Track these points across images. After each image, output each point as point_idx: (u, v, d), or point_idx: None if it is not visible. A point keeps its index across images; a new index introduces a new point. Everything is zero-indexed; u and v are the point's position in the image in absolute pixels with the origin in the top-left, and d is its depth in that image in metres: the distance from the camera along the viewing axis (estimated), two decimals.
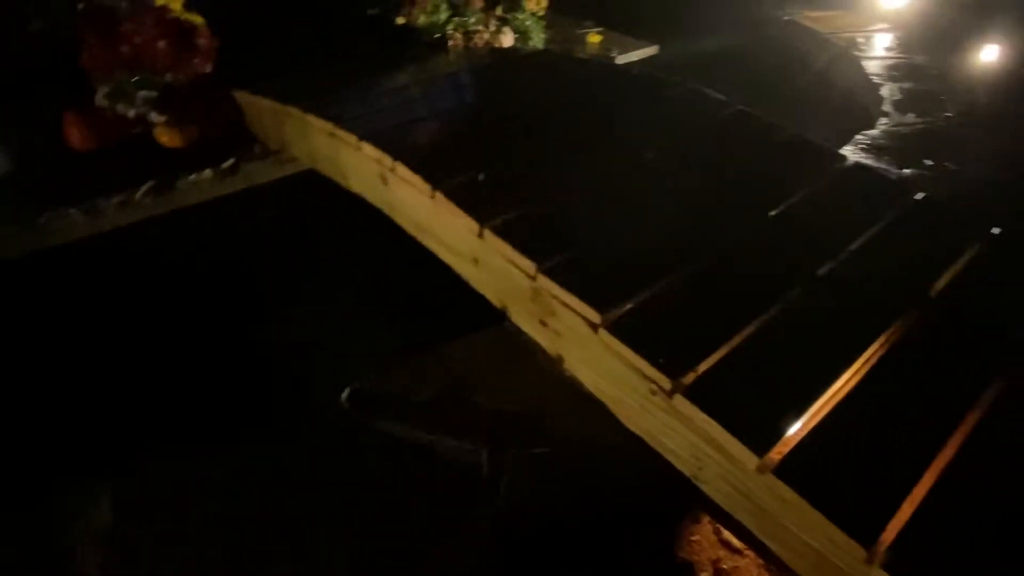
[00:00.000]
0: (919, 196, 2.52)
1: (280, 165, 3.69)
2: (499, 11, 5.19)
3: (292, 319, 2.99)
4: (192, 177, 3.51)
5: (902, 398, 1.70)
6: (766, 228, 2.36)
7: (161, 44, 3.42)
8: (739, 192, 2.55)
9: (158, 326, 3.05)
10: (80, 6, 3.79)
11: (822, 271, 2.10)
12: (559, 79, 3.89)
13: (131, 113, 3.54)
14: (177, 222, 3.47)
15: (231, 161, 3.60)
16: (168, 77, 3.56)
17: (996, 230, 2.35)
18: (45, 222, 3.15)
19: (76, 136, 3.49)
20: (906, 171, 3.76)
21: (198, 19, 3.71)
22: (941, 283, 2.08)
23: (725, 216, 2.40)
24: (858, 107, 4.78)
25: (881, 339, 1.83)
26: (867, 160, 3.84)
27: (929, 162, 3.86)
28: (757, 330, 1.83)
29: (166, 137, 3.64)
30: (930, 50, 5.67)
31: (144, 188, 3.37)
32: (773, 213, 2.41)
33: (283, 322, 3.00)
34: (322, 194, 3.32)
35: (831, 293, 2.04)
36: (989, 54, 5.77)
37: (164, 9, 3.56)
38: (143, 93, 3.52)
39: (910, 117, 4.45)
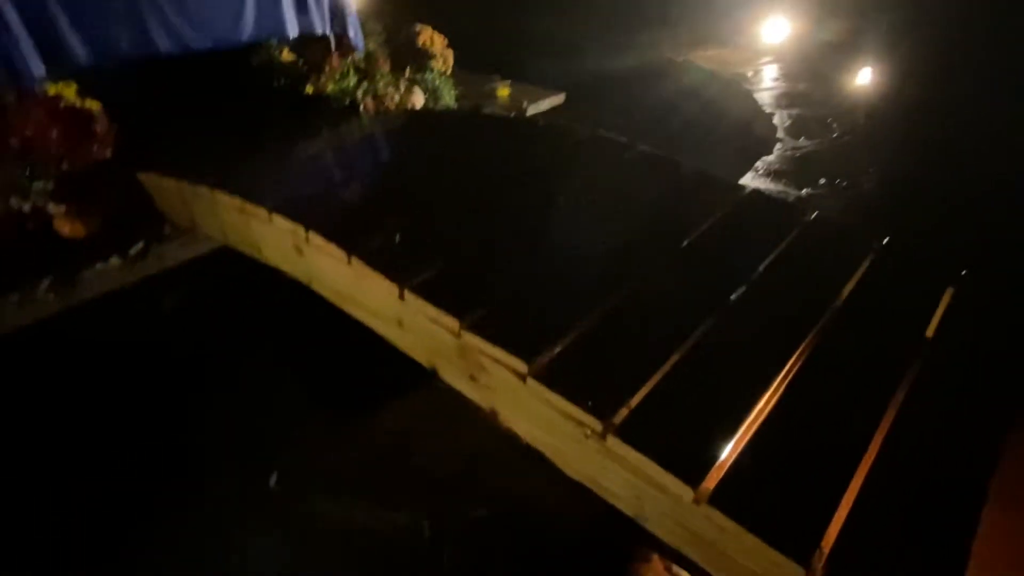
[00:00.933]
0: (813, 216, 2.69)
1: (192, 245, 3.58)
2: (408, 72, 5.31)
3: (215, 404, 2.85)
4: (98, 266, 3.35)
5: (821, 410, 1.77)
6: (678, 260, 2.45)
7: (54, 133, 3.29)
8: (650, 228, 2.65)
9: (72, 423, 2.85)
10: None
11: (734, 296, 2.20)
12: (470, 136, 3.98)
13: (26, 207, 3.36)
14: (87, 315, 3.29)
15: (140, 245, 3.46)
16: (64, 165, 3.41)
17: (885, 240, 2.53)
18: None
19: None
20: (804, 191, 4.03)
21: (94, 105, 3.60)
22: (843, 295, 2.21)
23: (638, 252, 2.48)
24: (754, 135, 5.11)
25: (795, 355, 1.91)
26: (767, 184, 4.10)
27: (823, 181, 4.15)
28: (679, 361, 1.88)
29: (67, 227, 3.46)
30: (810, 79, 6.17)
31: (45, 283, 3.18)
32: (684, 244, 2.51)
33: (207, 407, 2.86)
34: (237, 271, 3.23)
35: (744, 317, 2.13)
36: (863, 78, 6.33)
37: (56, 98, 3.45)
38: (38, 185, 3.36)
39: (802, 141, 4.80)
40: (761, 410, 1.73)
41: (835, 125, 5.09)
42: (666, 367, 1.85)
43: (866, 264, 2.39)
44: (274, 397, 2.82)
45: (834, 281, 2.28)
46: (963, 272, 2.34)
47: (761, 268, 2.35)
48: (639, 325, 2.07)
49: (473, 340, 1.97)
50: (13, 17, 3.24)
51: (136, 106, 3.82)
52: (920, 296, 2.27)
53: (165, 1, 3.65)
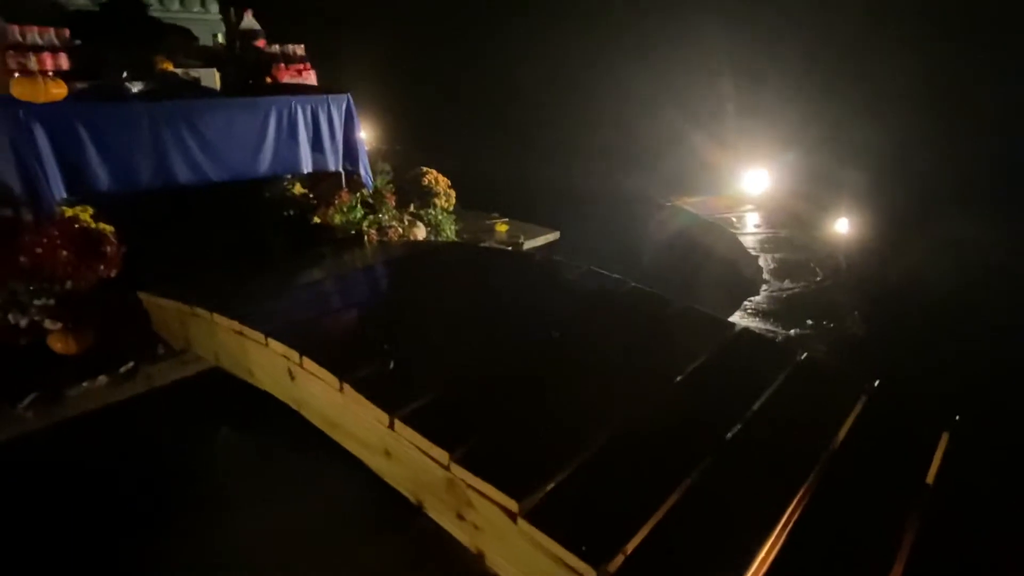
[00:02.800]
0: (803, 356, 2.71)
1: (183, 365, 3.55)
2: (412, 208, 5.59)
3: (190, 532, 2.67)
4: (85, 384, 3.29)
5: (824, 559, 1.69)
6: (672, 395, 2.44)
7: (64, 254, 3.37)
8: (643, 363, 2.67)
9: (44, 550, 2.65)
10: None
11: (730, 435, 2.16)
12: (468, 267, 4.10)
13: (23, 322, 3.36)
14: (67, 433, 3.18)
15: (130, 365, 3.43)
16: (68, 284, 3.46)
17: (876, 382, 2.54)
18: None
19: None
20: (792, 331, 4.10)
21: (107, 228, 3.73)
22: (838, 438, 2.18)
23: (633, 386, 2.47)
24: (742, 276, 5.29)
25: (795, 500, 1.84)
26: (756, 323, 4.18)
27: (810, 321, 4.23)
28: (676, 503, 1.81)
29: (60, 344, 3.44)
30: (791, 226, 6.51)
31: (27, 400, 3.11)
32: (677, 380, 2.51)
33: (179, 536, 2.68)
34: (226, 393, 3.17)
35: (742, 457, 2.08)
36: (841, 226, 6.67)
37: (72, 220, 3.57)
38: (39, 301, 3.38)
39: (787, 283, 4.96)
40: (764, 559, 1.63)
41: (818, 269, 5.29)
42: (662, 509, 1.77)
43: (859, 407, 2.38)
44: (255, 531, 2.64)
45: (828, 423, 2.25)
46: (957, 417, 2.33)
47: (755, 407, 2.33)
48: (633, 463, 2.01)
49: (462, 474, 1.90)
50: (44, 144, 3.44)
51: (143, 225, 3.93)
52: (916, 440, 2.24)
53: (191, 137, 3.89)
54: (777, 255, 5.64)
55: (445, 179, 5.96)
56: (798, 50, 8.58)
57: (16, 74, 3.47)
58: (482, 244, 5.85)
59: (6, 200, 3.74)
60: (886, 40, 8.08)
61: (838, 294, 4.79)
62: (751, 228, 6.58)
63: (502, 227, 6.28)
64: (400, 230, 5.10)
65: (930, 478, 2.04)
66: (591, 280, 3.54)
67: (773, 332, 3.93)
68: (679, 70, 9.45)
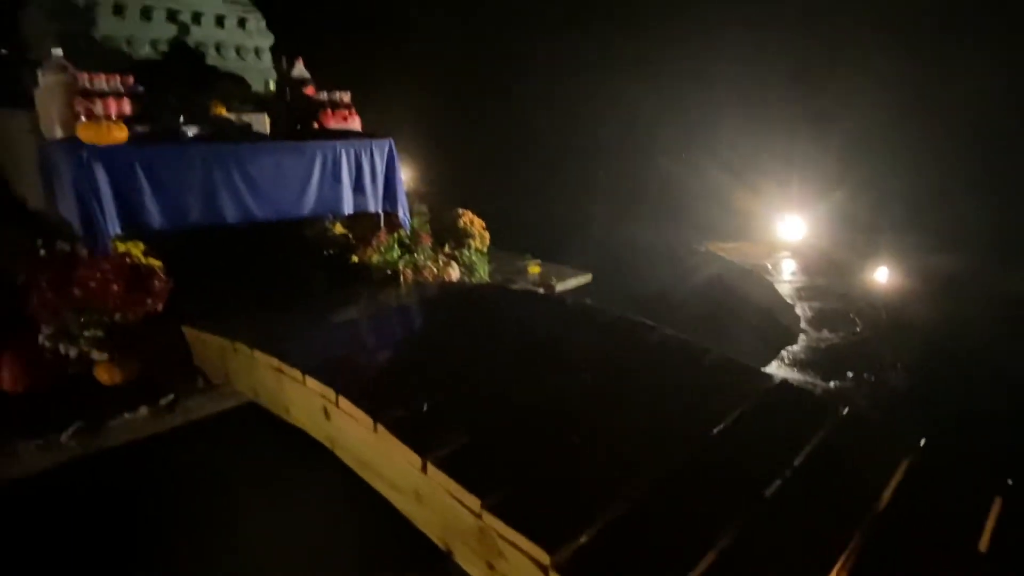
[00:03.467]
0: (845, 411, 2.63)
1: (220, 399, 3.61)
2: (447, 248, 5.67)
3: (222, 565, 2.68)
4: (126, 415, 3.36)
5: None
6: (710, 447, 2.38)
7: (115, 287, 3.50)
8: (679, 412, 2.62)
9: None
10: (41, 252, 3.97)
11: (769, 492, 2.09)
12: (502, 309, 4.12)
13: (73, 352, 3.48)
14: (106, 462, 3.25)
15: (170, 397, 3.50)
16: (117, 316, 3.59)
17: (922, 441, 2.44)
18: None
19: (8, 378, 3.36)
20: (831, 383, 3.98)
21: (156, 263, 3.87)
22: (884, 499, 2.09)
23: (668, 436, 2.42)
24: (779, 325, 5.20)
25: (838, 565, 1.77)
26: (794, 374, 4.08)
27: (850, 374, 4.11)
28: (714, 563, 1.75)
29: (106, 375, 3.55)
30: (829, 274, 6.39)
31: (71, 429, 3.19)
32: (714, 432, 2.46)
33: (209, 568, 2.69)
34: (262, 428, 3.21)
35: (781, 516, 2.00)
36: (881, 275, 6.53)
37: (124, 255, 3.72)
38: (88, 333, 3.51)
39: (825, 333, 4.85)
40: None
41: (857, 319, 5.16)
42: (700, 568, 1.71)
43: (905, 466, 2.28)
44: (271, 563, 2.64)
45: (871, 483, 2.16)
46: (1009, 481, 2.22)
47: (795, 463, 2.26)
48: (669, 518, 1.96)
49: (494, 523, 1.87)
50: (104, 183, 3.62)
51: (189, 260, 4.06)
52: (965, 505, 2.13)
53: (240, 178, 4.05)
54: (815, 304, 5.54)
55: (480, 221, 6.06)
56: (834, 97, 8.58)
57: (83, 118, 3.68)
58: (514, 285, 5.89)
59: (65, 234, 3.93)
60: (928, 86, 8.03)
61: (879, 346, 4.66)
62: (787, 276, 6.49)
63: (535, 268, 6.31)
64: (435, 270, 5.17)
65: (983, 546, 1.93)
66: (624, 326, 3.51)
67: (812, 384, 3.82)
68: (712, 116, 9.53)
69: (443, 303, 4.33)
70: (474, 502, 1.94)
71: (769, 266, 6.75)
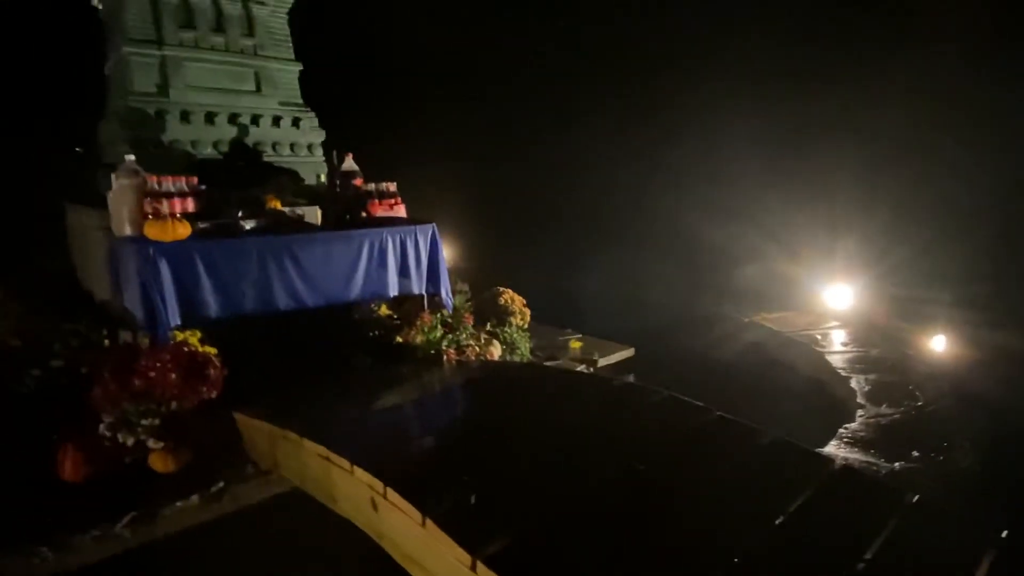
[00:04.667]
0: (915, 499, 2.47)
1: (268, 485, 3.62)
2: (488, 326, 5.72)
3: None
4: (179, 504, 3.40)
5: None
6: (772, 540, 2.25)
7: (173, 377, 3.62)
8: (737, 501, 2.50)
9: None
10: (105, 342, 4.17)
11: None
12: (545, 392, 4.07)
13: (130, 441, 3.57)
14: (159, 552, 3.26)
15: (220, 485, 3.54)
16: (173, 405, 3.69)
17: (1004, 533, 2.27)
18: (7, 564, 2.95)
19: (70, 467, 3.45)
20: (896, 465, 3.76)
21: (211, 350, 4.00)
22: None
23: (728, 528, 2.31)
24: (833, 399, 4.99)
25: None
26: (855, 454, 3.87)
27: (916, 453, 3.88)
28: None
29: (160, 463, 3.61)
30: (882, 344, 6.16)
31: (125, 519, 3.23)
32: (777, 523, 2.33)
33: None
34: (308, 518, 3.19)
35: None
36: (938, 344, 6.26)
37: (182, 344, 3.87)
38: (146, 421, 3.61)
39: (884, 408, 4.61)
40: None
41: (918, 392, 4.91)
42: None
43: (986, 562, 2.11)
44: None
45: None
46: None
47: (868, 555, 2.12)
48: None
49: None
50: (167, 277, 3.83)
51: (241, 346, 4.17)
52: None
53: (292, 268, 4.23)
54: (870, 376, 5.31)
55: (520, 298, 6.12)
56: (882, 166, 8.56)
57: (150, 216, 3.94)
58: (557, 361, 5.86)
59: (128, 325, 4.13)
60: (979, 152, 7.95)
61: (944, 421, 4.40)
62: (838, 346, 6.28)
63: (576, 344, 6.28)
64: (477, 349, 5.20)
65: None
66: (673, 408, 3.42)
67: (875, 465, 3.62)
68: (755, 184, 9.56)
69: (486, 384, 4.32)
70: None
71: (818, 336, 6.55)
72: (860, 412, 4.59)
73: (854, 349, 6.14)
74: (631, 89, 12.81)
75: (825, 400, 5.08)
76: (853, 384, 5.15)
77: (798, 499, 2.46)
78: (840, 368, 5.57)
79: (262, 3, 5.76)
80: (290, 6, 6.03)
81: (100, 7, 5.85)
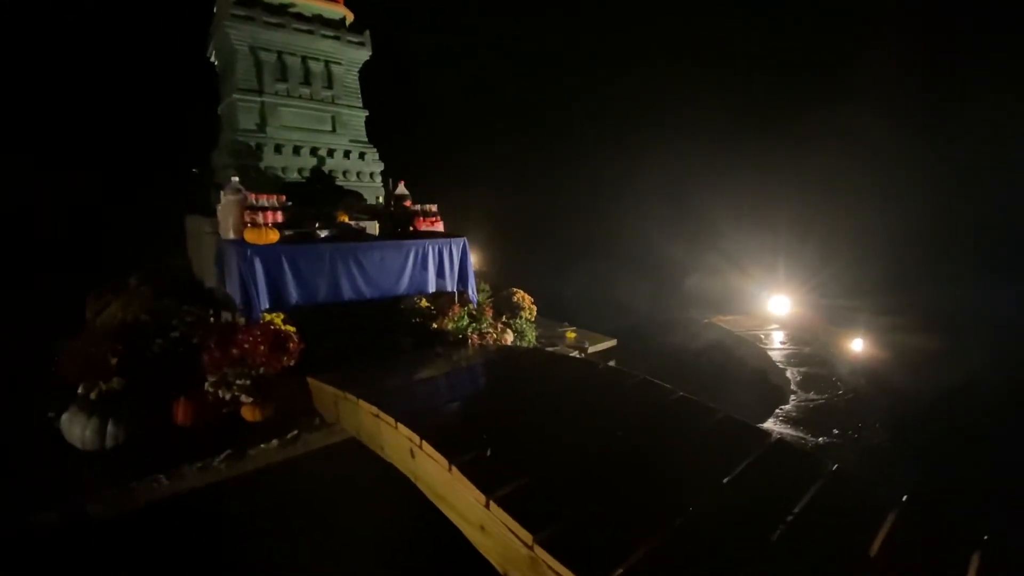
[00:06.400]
0: (834, 468, 2.45)
1: (331, 435, 3.65)
2: (504, 318, 5.72)
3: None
4: (262, 446, 3.44)
5: None
6: (722, 496, 2.24)
7: (262, 348, 3.66)
8: (695, 464, 2.49)
9: None
10: (211, 320, 4.22)
11: (774, 537, 1.94)
12: (549, 369, 4.07)
13: (228, 396, 3.62)
14: (247, 483, 3.30)
15: (295, 432, 3.57)
16: (261, 370, 3.73)
17: (904, 497, 2.24)
18: (136, 485, 3.01)
19: (182, 415, 3.52)
20: (821, 439, 3.71)
21: (291, 328, 4.04)
22: (872, 550, 1.91)
23: (689, 484, 2.30)
24: (772, 386, 4.92)
25: None
26: (787, 429, 3.83)
27: (836, 431, 3.83)
28: None
29: (249, 414, 3.66)
30: (812, 344, 6.08)
31: (222, 456, 3.28)
32: (726, 481, 2.32)
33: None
34: (361, 461, 3.22)
35: (784, 560, 1.85)
36: (857, 344, 6.16)
37: (269, 323, 3.91)
38: (240, 382, 3.65)
39: (812, 395, 4.55)
40: None
41: (839, 383, 4.84)
42: None
43: (890, 521, 2.09)
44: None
45: (860, 535, 1.98)
46: (985, 537, 1.99)
47: (796, 510, 2.10)
48: (694, 555, 1.83)
49: (543, 555, 1.80)
50: (260, 272, 3.88)
51: (314, 326, 4.21)
52: (947, 560, 1.92)
53: (355, 268, 4.26)
54: (802, 369, 5.25)
55: (529, 296, 6.11)
56: (811, 201, 8.45)
57: (249, 224, 3.99)
58: (555, 347, 5.84)
59: (229, 307, 4.18)
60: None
61: (861, 407, 4.33)
62: (777, 344, 6.20)
63: (571, 334, 6.26)
64: (494, 335, 5.20)
65: None
66: (646, 388, 3.40)
67: (804, 439, 3.57)
68: (711, 214, 9.49)
69: (501, 363, 4.32)
70: (527, 536, 1.87)
71: (762, 335, 6.47)
72: (792, 397, 4.54)
73: (790, 347, 6.06)
74: (612, 135, 12.80)
75: (766, 386, 5.02)
76: (788, 374, 5.08)
77: (741, 464, 2.44)
78: (778, 362, 5.50)
79: (339, 63, 5.81)
80: (360, 66, 6.07)
81: (216, 63, 5.93)
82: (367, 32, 5.91)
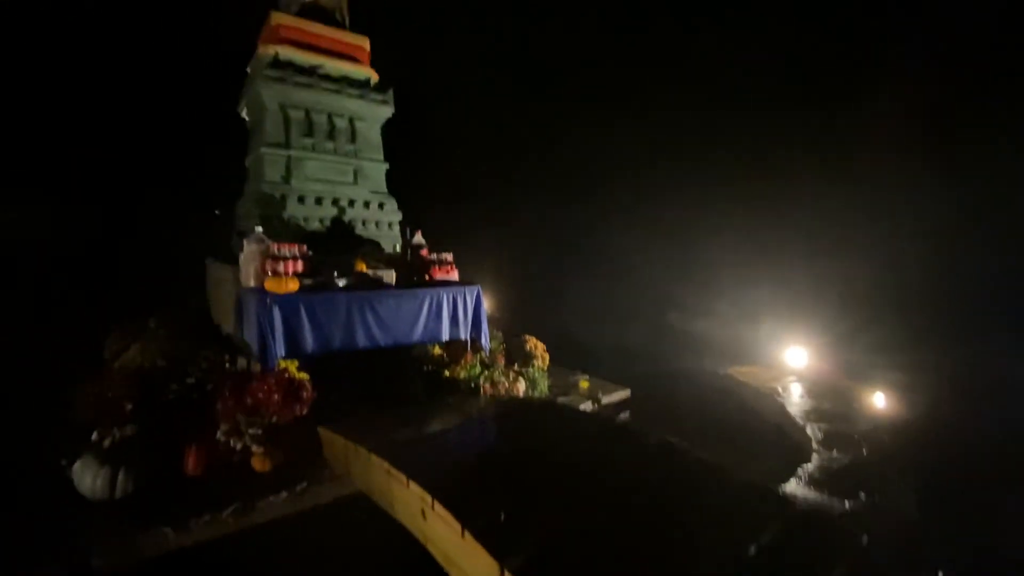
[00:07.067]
0: (864, 540, 2.32)
1: (340, 488, 3.57)
2: (516, 367, 5.66)
3: None
4: (271, 498, 3.38)
5: None
6: (748, 569, 2.13)
7: (276, 397, 3.66)
8: (717, 533, 2.38)
9: None
10: (227, 365, 4.23)
11: None
12: (563, 425, 3.97)
13: (239, 446, 3.59)
14: (254, 536, 3.21)
15: (303, 484, 3.51)
16: (273, 419, 3.71)
17: (940, 573, 2.11)
18: (143, 539, 2.95)
19: (192, 464, 3.48)
20: (846, 503, 3.54)
21: (304, 376, 4.04)
22: None
23: (711, 555, 2.19)
24: (792, 443, 4.75)
25: None
26: (811, 492, 3.66)
27: (862, 495, 3.65)
28: None
29: (259, 464, 3.61)
30: (832, 398, 5.90)
31: (230, 509, 3.22)
32: (751, 552, 2.21)
33: None
34: (370, 518, 3.13)
35: None
36: (878, 400, 5.97)
37: (284, 371, 3.92)
38: (252, 431, 3.63)
39: (835, 453, 4.38)
40: None
41: (863, 442, 4.66)
42: None
43: None
44: None
45: None
46: None
47: None
48: None
49: None
50: (278, 320, 3.91)
51: (328, 373, 4.21)
52: None
53: (371, 317, 4.29)
54: (823, 425, 5.07)
55: (541, 344, 6.06)
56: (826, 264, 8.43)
57: (270, 274, 4.07)
58: (568, 397, 5.73)
59: (246, 354, 4.21)
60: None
61: (886, 469, 4.14)
62: (796, 398, 6.03)
63: (584, 384, 6.15)
64: (507, 384, 5.13)
65: None
66: (664, 449, 3.29)
67: (829, 504, 3.40)
68: (731, 271, 9.48)
69: (515, 416, 4.24)
70: None
71: (780, 389, 6.31)
72: (815, 456, 4.36)
73: (810, 401, 5.89)
74: (620, 188, 13.07)
75: (786, 443, 4.84)
76: (809, 431, 4.91)
77: (766, 535, 2.33)
78: (798, 417, 5.33)
79: (363, 119, 6.07)
80: (383, 123, 6.33)
81: (247, 119, 6.24)
82: (391, 91, 6.20)
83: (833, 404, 5.76)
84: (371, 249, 5.53)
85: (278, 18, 5.73)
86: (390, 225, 6.20)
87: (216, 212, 6.87)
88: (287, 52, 5.60)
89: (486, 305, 5.72)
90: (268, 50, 5.55)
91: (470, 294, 5.06)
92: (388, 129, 6.44)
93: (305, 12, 5.94)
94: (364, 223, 5.95)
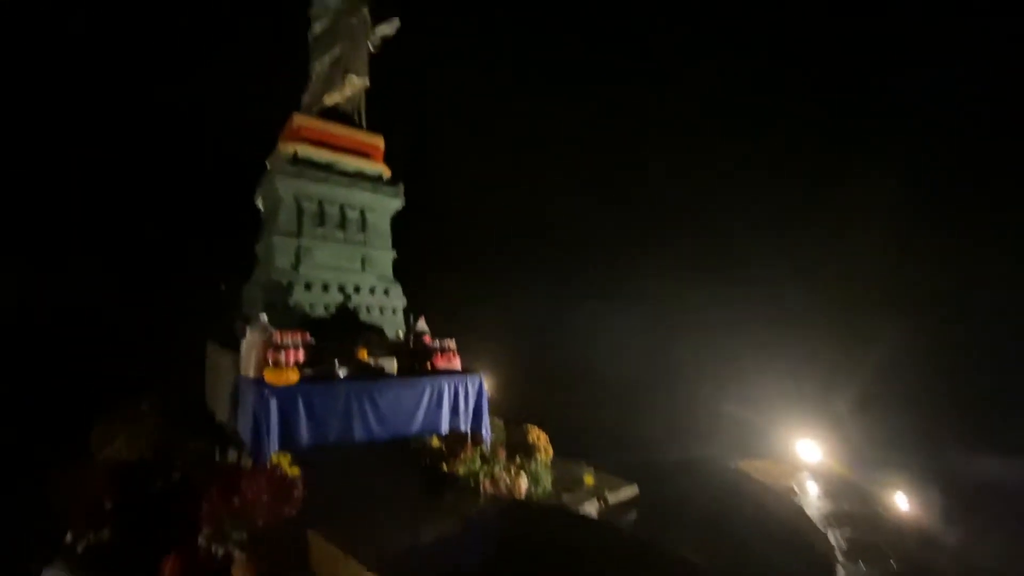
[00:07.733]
0: None
1: None
2: (518, 461, 5.41)
3: None
4: None
5: None
6: None
7: (265, 497, 3.45)
8: None
9: None
10: (216, 457, 4.04)
11: None
12: (567, 534, 3.70)
13: (221, 552, 3.33)
14: None
15: None
16: (260, 522, 3.47)
17: None
18: None
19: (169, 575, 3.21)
20: None
21: (296, 471, 3.83)
22: None
23: None
24: (816, 555, 4.40)
25: None
26: None
27: None
28: None
29: (240, 572, 3.33)
30: (852, 499, 5.57)
31: None
32: None
33: None
34: None
35: None
36: (900, 502, 5.62)
37: (276, 467, 3.73)
38: (236, 534, 3.39)
39: (862, 567, 4.04)
40: None
41: (890, 553, 4.31)
42: None
43: None
44: None
45: None
46: None
47: None
48: None
49: None
50: (274, 413, 3.81)
51: (320, 466, 3.97)
52: None
53: (369, 408, 4.19)
54: (845, 532, 4.73)
55: (544, 435, 5.84)
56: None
57: (271, 364, 4.02)
58: (572, 493, 5.41)
59: (236, 444, 4.05)
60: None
61: None
62: (813, 498, 5.68)
63: (589, 479, 5.83)
64: (508, 480, 4.87)
65: None
66: (678, 568, 3.03)
67: None
68: (738, 364, 9.39)
69: (518, 524, 3.95)
70: None
71: (795, 487, 5.97)
72: (841, 570, 4.02)
73: (828, 504, 5.54)
74: (623, 273, 13.33)
75: (808, 553, 4.48)
76: (831, 539, 4.57)
77: None
78: (818, 521, 4.99)
79: (374, 210, 6.31)
80: (392, 214, 6.58)
81: (262, 208, 6.49)
82: (401, 185, 6.50)
83: (852, 505, 5.41)
84: (374, 336, 5.50)
85: (299, 120, 6.15)
86: (394, 311, 6.23)
87: (222, 286, 6.92)
88: (306, 150, 5.94)
89: (487, 385, 5.60)
90: (288, 147, 5.89)
91: (472, 383, 4.97)
92: (398, 221, 6.66)
93: (325, 113, 6.39)
94: (369, 309, 5.97)
